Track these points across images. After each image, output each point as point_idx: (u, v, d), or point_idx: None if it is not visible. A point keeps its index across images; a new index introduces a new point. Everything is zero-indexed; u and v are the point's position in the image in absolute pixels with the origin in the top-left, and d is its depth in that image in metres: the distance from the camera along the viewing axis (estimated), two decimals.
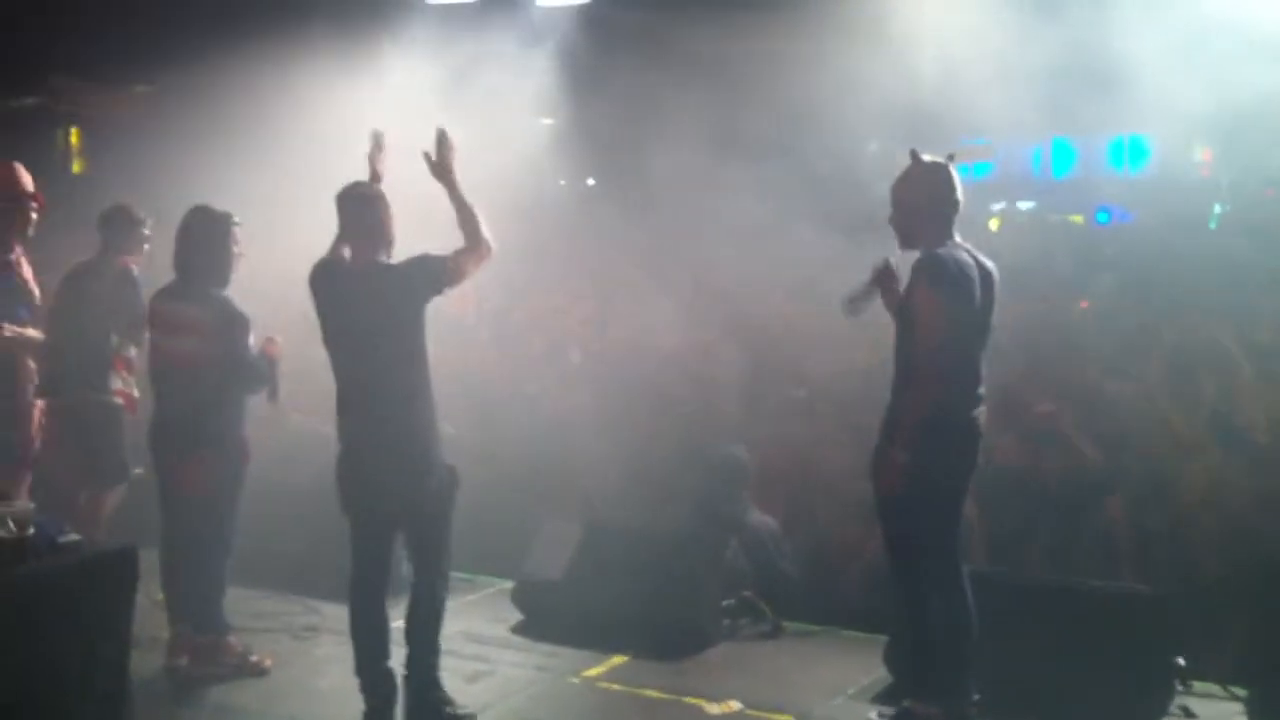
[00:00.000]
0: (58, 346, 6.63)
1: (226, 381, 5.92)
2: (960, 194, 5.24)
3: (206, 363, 5.88)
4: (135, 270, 6.94)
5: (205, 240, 5.99)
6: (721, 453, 7.34)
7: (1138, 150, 14.83)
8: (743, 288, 11.00)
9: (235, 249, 6.06)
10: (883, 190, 5.50)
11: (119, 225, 7.01)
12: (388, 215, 5.40)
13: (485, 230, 5.44)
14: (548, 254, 12.44)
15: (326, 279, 5.45)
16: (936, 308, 5.01)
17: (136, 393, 6.94)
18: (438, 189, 5.47)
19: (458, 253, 5.39)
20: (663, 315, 10.28)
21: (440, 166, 5.43)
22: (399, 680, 5.44)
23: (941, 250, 5.10)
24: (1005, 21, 11.26)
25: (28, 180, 6.75)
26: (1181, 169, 14.39)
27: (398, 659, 5.47)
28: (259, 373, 6.04)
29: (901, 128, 12.01)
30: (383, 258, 5.36)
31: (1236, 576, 6.21)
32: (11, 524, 4.64)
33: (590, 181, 16.10)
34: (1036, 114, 13.50)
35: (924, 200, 5.18)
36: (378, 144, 5.77)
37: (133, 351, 6.90)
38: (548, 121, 13.82)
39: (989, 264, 5.24)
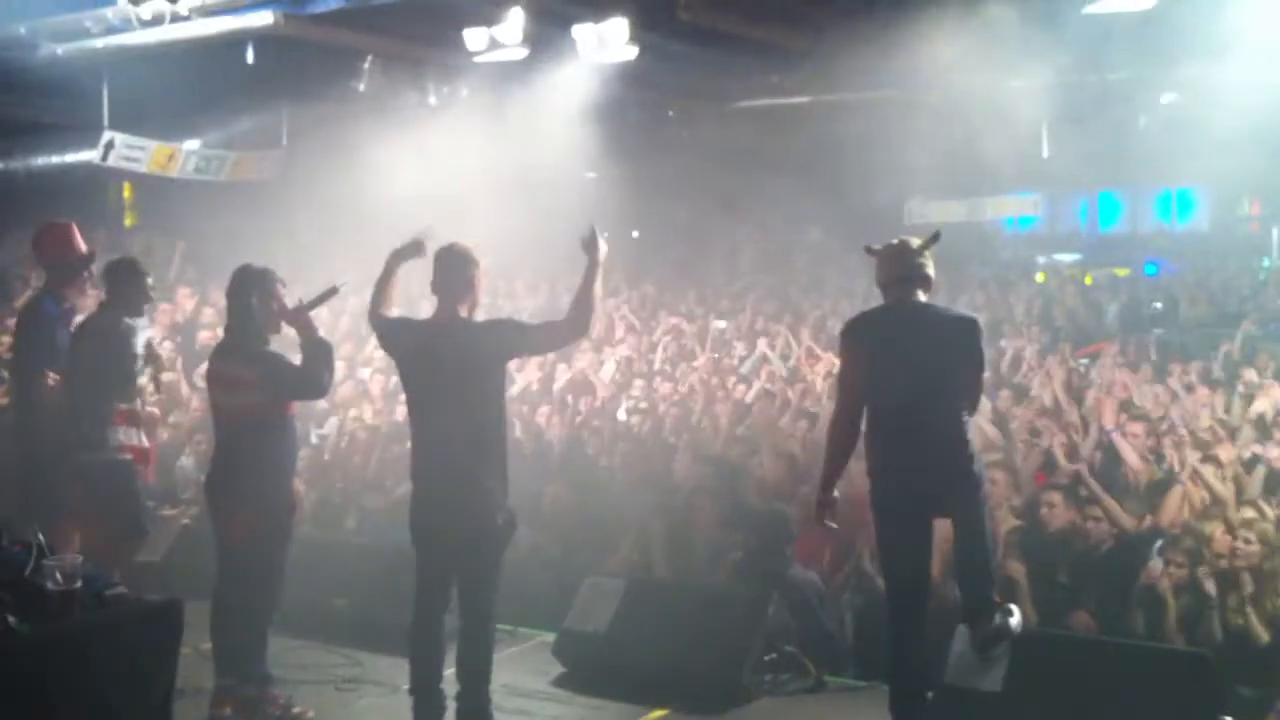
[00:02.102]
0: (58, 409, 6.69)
1: (269, 436, 5.98)
2: (916, 265, 5.53)
3: (252, 418, 5.94)
4: (132, 323, 6.89)
5: (247, 297, 6.06)
6: (766, 509, 7.34)
7: (1185, 203, 14.78)
8: (790, 344, 11.04)
9: (276, 305, 6.11)
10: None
11: (121, 279, 6.94)
12: (477, 276, 5.71)
13: (591, 319, 5.76)
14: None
15: (407, 331, 5.80)
16: (843, 364, 5.66)
17: (147, 444, 6.98)
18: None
19: (549, 326, 5.85)
20: (709, 371, 10.34)
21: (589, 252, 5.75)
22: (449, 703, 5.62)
23: (870, 310, 5.70)
24: (1050, 76, 11.34)
25: (81, 241, 6.96)
26: (1230, 223, 14.34)
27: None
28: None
29: (945, 181, 12.12)
30: (465, 313, 5.66)
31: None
32: (60, 577, 4.68)
33: (635, 234, 16.22)
34: (1084, 167, 13.56)
35: (881, 277, 5.60)
36: (426, 237, 5.97)
37: (138, 403, 6.91)
38: (591, 175, 13.98)
39: (954, 315, 5.65)
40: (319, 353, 5.97)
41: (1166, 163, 12.58)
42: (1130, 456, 7.97)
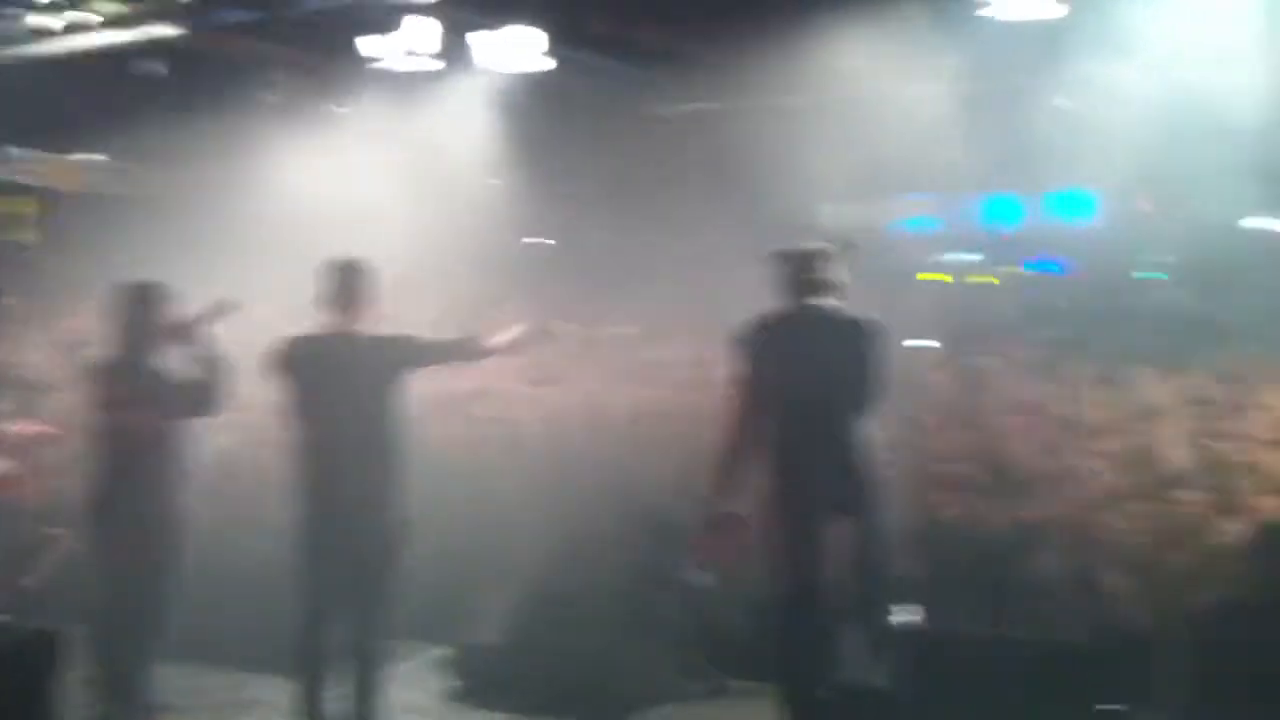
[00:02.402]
0: None
1: (160, 456, 5.93)
2: (817, 271, 5.65)
3: (141, 436, 5.88)
4: None
5: (137, 313, 6.01)
6: (663, 514, 7.38)
7: (1081, 203, 15.03)
8: (688, 347, 11.07)
9: (167, 320, 6.06)
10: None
11: None
12: (371, 287, 5.79)
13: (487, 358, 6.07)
14: (494, 316, 12.52)
15: (301, 347, 5.80)
16: (739, 368, 5.66)
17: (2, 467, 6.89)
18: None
19: (447, 345, 6.09)
20: (605, 374, 10.35)
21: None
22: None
23: (764, 314, 5.68)
24: (951, 80, 11.50)
25: None
26: (1124, 221, 14.61)
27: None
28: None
29: (850, 184, 12.24)
30: (361, 325, 5.71)
31: (1169, 629, 6.26)
32: None
33: (541, 241, 16.22)
34: (983, 169, 13.79)
35: (783, 281, 5.70)
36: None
37: None
38: (495, 183, 13.97)
39: (851, 316, 5.64)
40: (213, 369, 5.94)
41: (1062, 164, 12.79)
42: (1023, 451, 8.09)
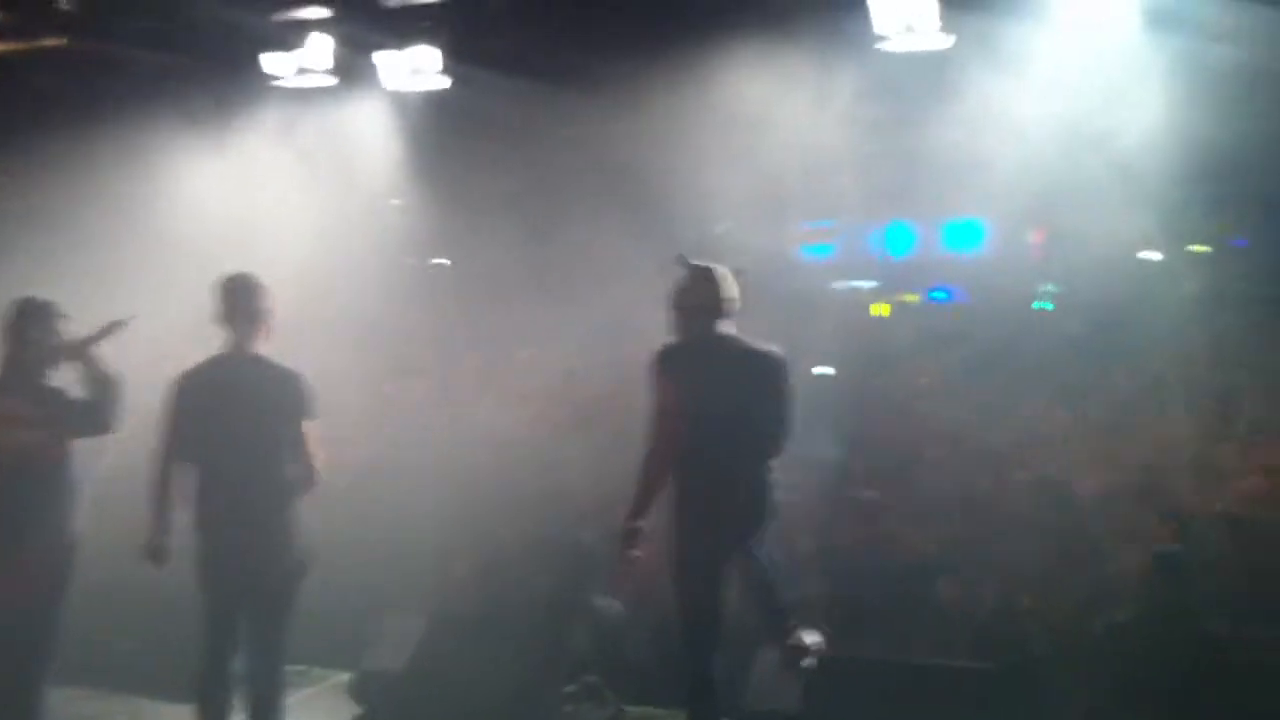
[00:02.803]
0: None
1: (51, 476, 5.77)
2: (726, 294, 5.62)
3: (31, 457, 5.73)
4: None
5: (26, 331, 5.85)
6: (569, 538, 7.35)
7: (972, 233, 15.31)
8: (591, 370, 11.08)
9: (56, 339, 5.91)
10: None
11: None
12: (270, 306, 5.65)
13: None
14: (396, 337, 12.39)
15: (200, 374, 5.65)
16: (659, 396, 5.50)
17: None
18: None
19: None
20: (510, 398, 10.31)
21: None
22: None
23: (681, 341, 5.58)
24: (847, 108, 11.67)
25: None
26: (1015, 250, 14.93)
27: None
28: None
29: (748, 210, 12.34)
30: (260, 347, 5.58)
31: (1070, 652, 6.37)
32: None
33: (441, 262, 16.09)
34: (878, 197, 14.00)
35: (688, 302, 5.60)
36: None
37: None
38: (396, 203, 13.83)
39: (762, 348, 5.62)
40: (106, 388, 5.80)
41: (955, 194, 13.03)
42: (929, 478, 8.22)
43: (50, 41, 11.57)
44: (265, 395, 5.53)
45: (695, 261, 5.69)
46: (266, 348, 5.66)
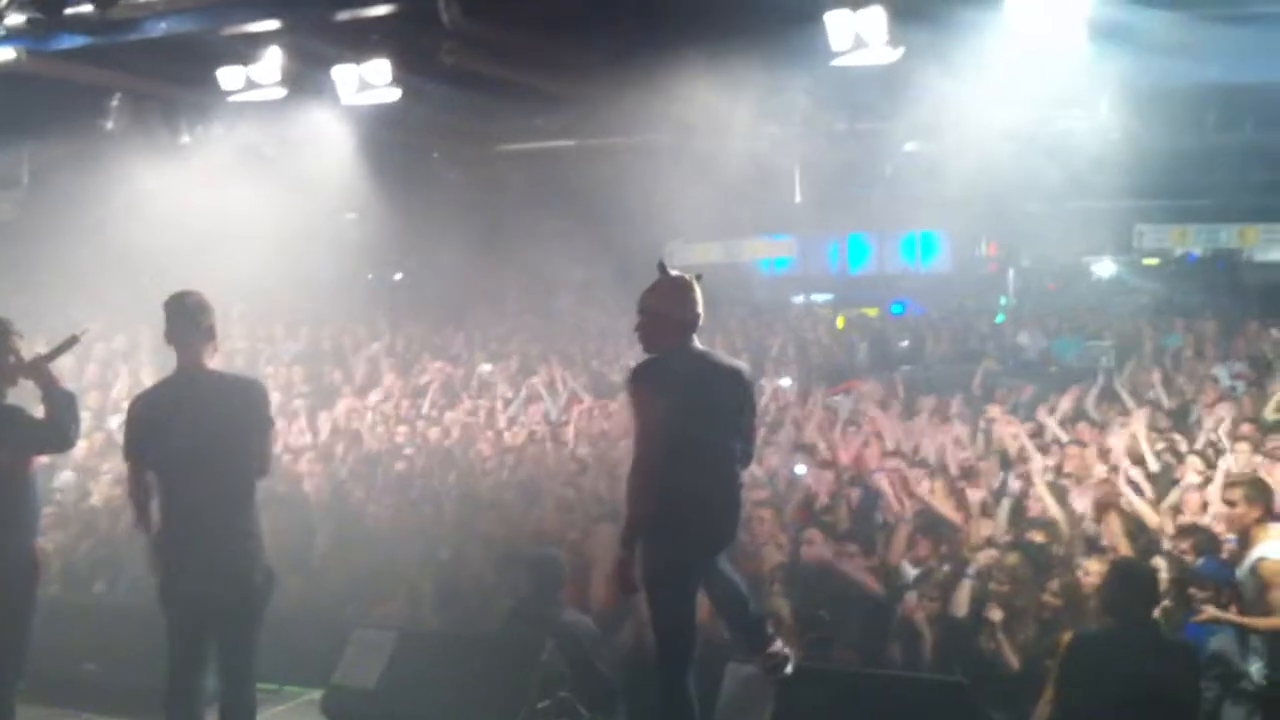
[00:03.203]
0: None
1: (13, 493, 5.71)
2: (700, 307, 5.56)
3: None
4: None
5: None
6: (535, 553, 7.33)
7: (928, 246, 15.50)
8: (556, 385, 11.10)
9: (12, 357, 5.85)
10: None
11: None
12: (215, 323, 5.56)
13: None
14: (357, 353, 12.35)
15: (154, 395, 5.57)
16: (634, 409, 5.45)
17: None
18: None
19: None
20: (476, 416, 10.31)
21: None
22: None
23: (659, 356, 5.49)
24: (806, 123, 11.76)
25: None
26: (970, 264, 15.11)
27: None
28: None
29: (704, 224, 12.43)
30: (209, 363, 5.51)
31: (1037, 664, 6.43)
32: None
33: (398, 276, 16.06)
34: (834, 211, 14.12)
35: (666, 310, 5.51)
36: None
37: None
38: (352, 216, 13.79)
39: (729, 365, 5.64)
40: (62, 404, 5.74)
41: (910, 207, 13.18)
42: (889, 494, 8.28)
43: (1, 57, 11.38)
44: (222, 408, 5.45)
45: (674, 271, 5.63)
46: (217, 362, 5.60)
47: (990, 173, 11.16)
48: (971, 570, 6.93)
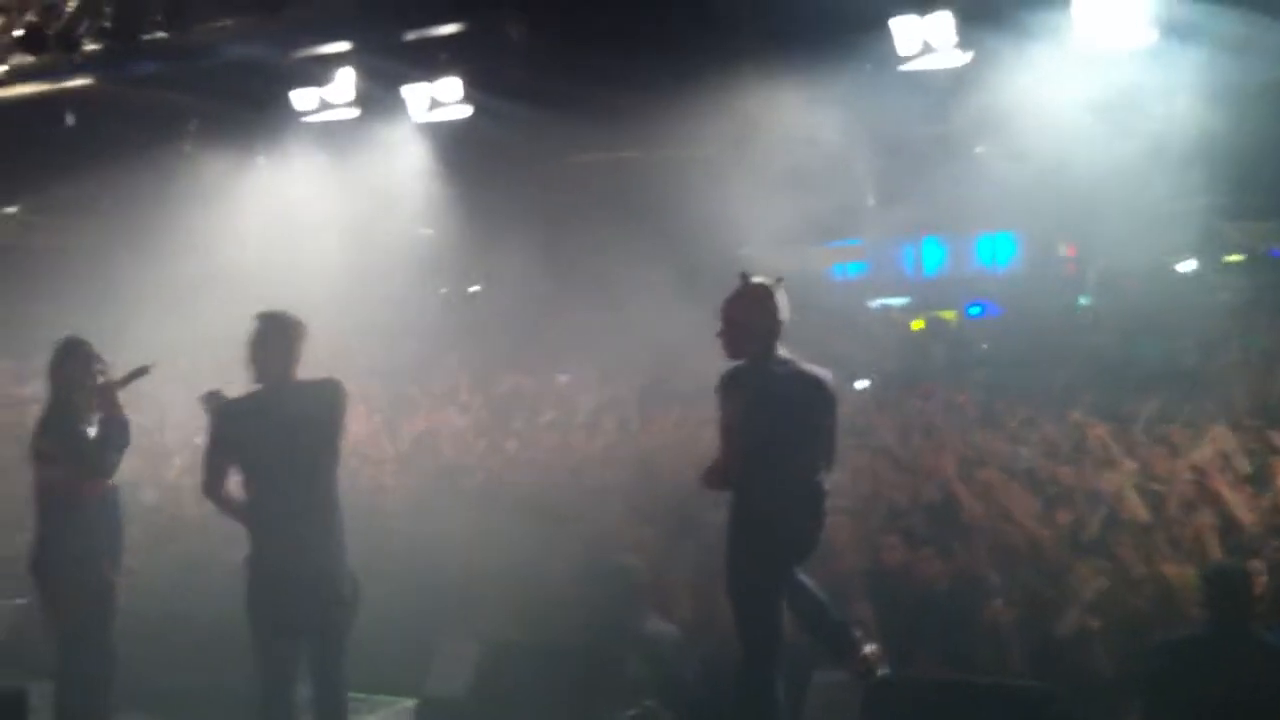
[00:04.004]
0: None
1: (80, 514, 5.86)
2: (784, 313, 5.56)
3: (59, 494, 5.85)
4: None
5: (67, 372, 5.99)
6: (617, 563, 7.34)
7: (1004, 247, 15.33)
8: (631, 396, 11.10)
9: (95, 381, 6.03)
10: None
11: None
12: (303, 345, 5.65)
13: None
14: (435, 366, 12.43)
15: (244, 405, 5.61)
16: (728, 416, 5.42)
17: None
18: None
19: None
20: (553, 425, 10.32)
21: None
22: None
23: (746, 364, 5.49)
24: (876, 128, 11.70)
25: None
26: (1048, 265, 14.92)
27: None
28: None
29: (776, 232, 12.36)
30: (296, 378, 5.58)
31: (1128, 673, 6.34)
32: None
33: (473, 289, 16.18)
34: (908, 214, 14.01)
35: (747, 318, 5.50)
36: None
37: None
38: (428, 232, 13.92)
39: (815, 373, 5.61)
40: (111, 432, 5.94)
41: (986, 209, 13.07)
42: (969, 499, 8.18)
43: (76, 83, 11.66)
44: (308, 415, 5.52)
45: (757, 279, 5.61)
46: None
47: (1066, 173, 11.04)
48: (1058, 575, 6.84)
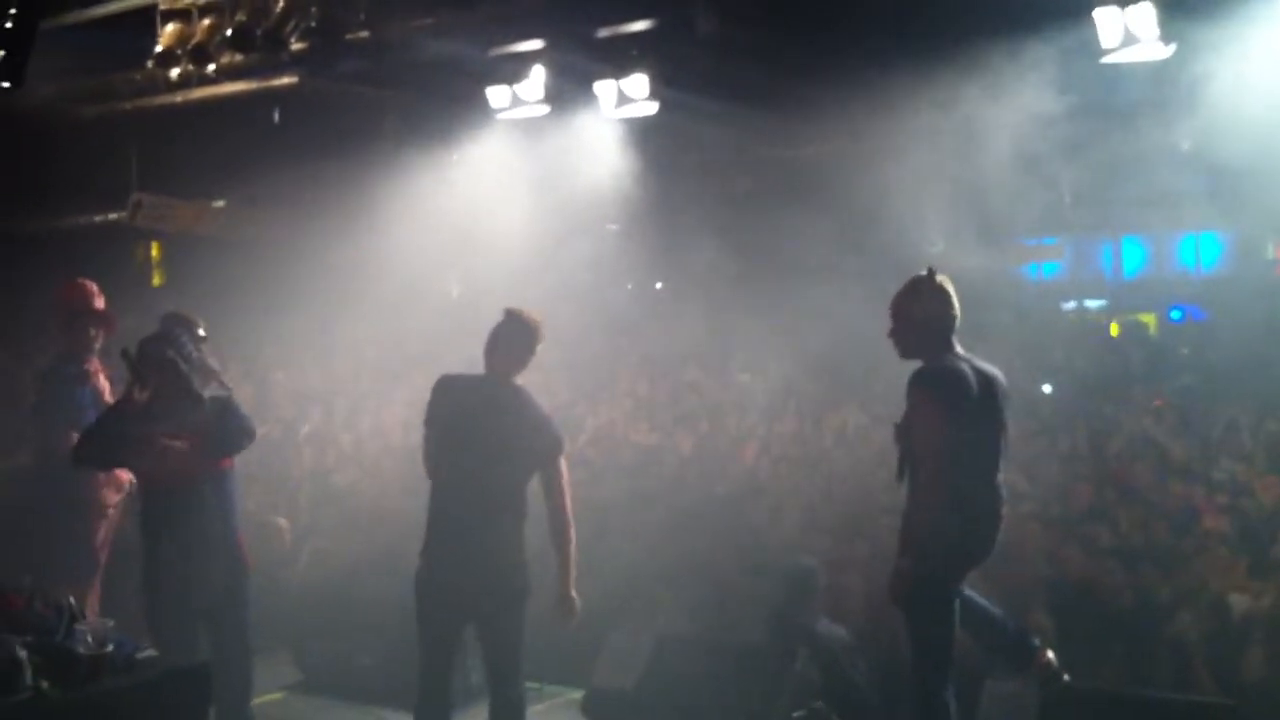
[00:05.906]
0: None
1: (208, 489, 5.98)
2: (949, 307, 5.43)
3: (187, 473, 5.91)
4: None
5: (183, 349, 6.10)
6: (791, 563, 7.31)
7: (1209, 248, 14.70)
8: (812, 402, 11.00)
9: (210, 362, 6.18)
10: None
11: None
12: (538, 349, 5.70)
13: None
14: (619, 361, 12.53)
15: (459, 384, 5.72)
16: (928, 418, 5.24)
17: None
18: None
19: (555, 484, 5.72)
20: (730, 425, 10.31)
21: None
22: None
23: (935, 362, 5.34)
24: (1073, 122, 11.36)
25: (97, 300, 7.10)
26: (1255, 267, 14.24)
27: None
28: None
29: (969, 229, 12.12)
30: (518, 381, 5.65)
31: None
32: (91, 641, 4.70)
33: (658, 285, 16.24)
34: (1107, 213, 13.55)
35: (925, 315, 5.38)
36: None
37: None
38: (613, 228, 14.04)
39: (991, 371, 5.45)
40: (224, 414, 6.06)
41: (1189, 208, 12.57)
42: (1161, 510, 7.92)
43: (283, 81, 12.08)
44: (515, 421, 5.58)
45: (939, 278, 5.48)
46: (522, 379, 5.73)
47: (1276, 170, 10.54)
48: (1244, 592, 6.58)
